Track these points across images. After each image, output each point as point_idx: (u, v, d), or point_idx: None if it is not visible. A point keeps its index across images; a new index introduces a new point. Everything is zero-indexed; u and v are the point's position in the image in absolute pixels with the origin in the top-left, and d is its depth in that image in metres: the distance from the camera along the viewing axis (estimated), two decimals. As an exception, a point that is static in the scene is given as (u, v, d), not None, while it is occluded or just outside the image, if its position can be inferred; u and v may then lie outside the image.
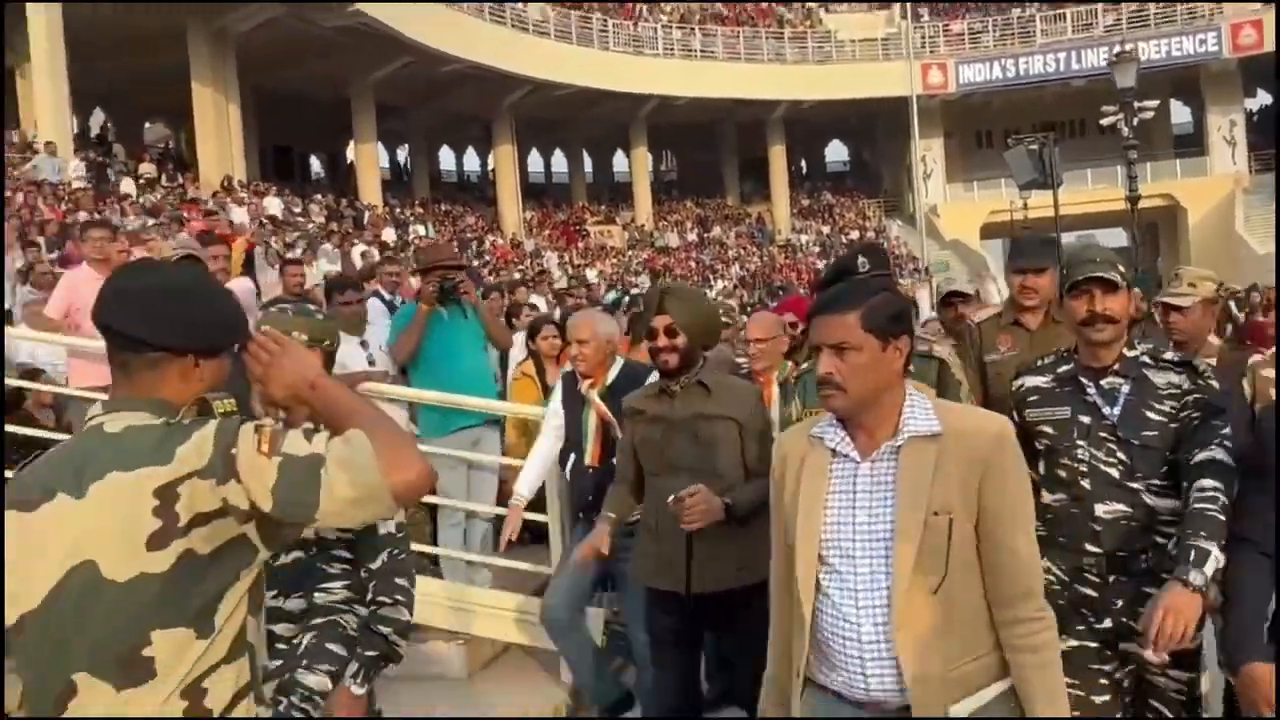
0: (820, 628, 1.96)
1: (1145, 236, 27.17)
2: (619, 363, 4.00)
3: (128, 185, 16.24)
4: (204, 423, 1.59)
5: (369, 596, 2.49)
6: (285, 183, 28.75)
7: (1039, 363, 2.80)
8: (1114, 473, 2.61)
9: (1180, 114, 40.61)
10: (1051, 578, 2.61)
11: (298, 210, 21.68)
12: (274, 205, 19.83)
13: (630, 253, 32.53)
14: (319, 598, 2.48)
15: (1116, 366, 2.67)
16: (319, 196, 25.64)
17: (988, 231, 37.45)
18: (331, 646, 2.47)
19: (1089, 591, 2.65)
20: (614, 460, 3.64)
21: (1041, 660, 1.93)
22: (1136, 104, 15.43)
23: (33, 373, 6.12)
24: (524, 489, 4.16)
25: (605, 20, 33.69)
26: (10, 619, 1.57)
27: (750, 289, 30.42)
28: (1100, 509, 2.62)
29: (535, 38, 31.14)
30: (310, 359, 1.75)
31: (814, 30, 37.98)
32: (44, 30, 19.69)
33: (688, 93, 34.24)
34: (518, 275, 19.89)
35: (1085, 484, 2.63)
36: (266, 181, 26.31)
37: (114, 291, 1.65)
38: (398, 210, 29.13)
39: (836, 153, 46.69)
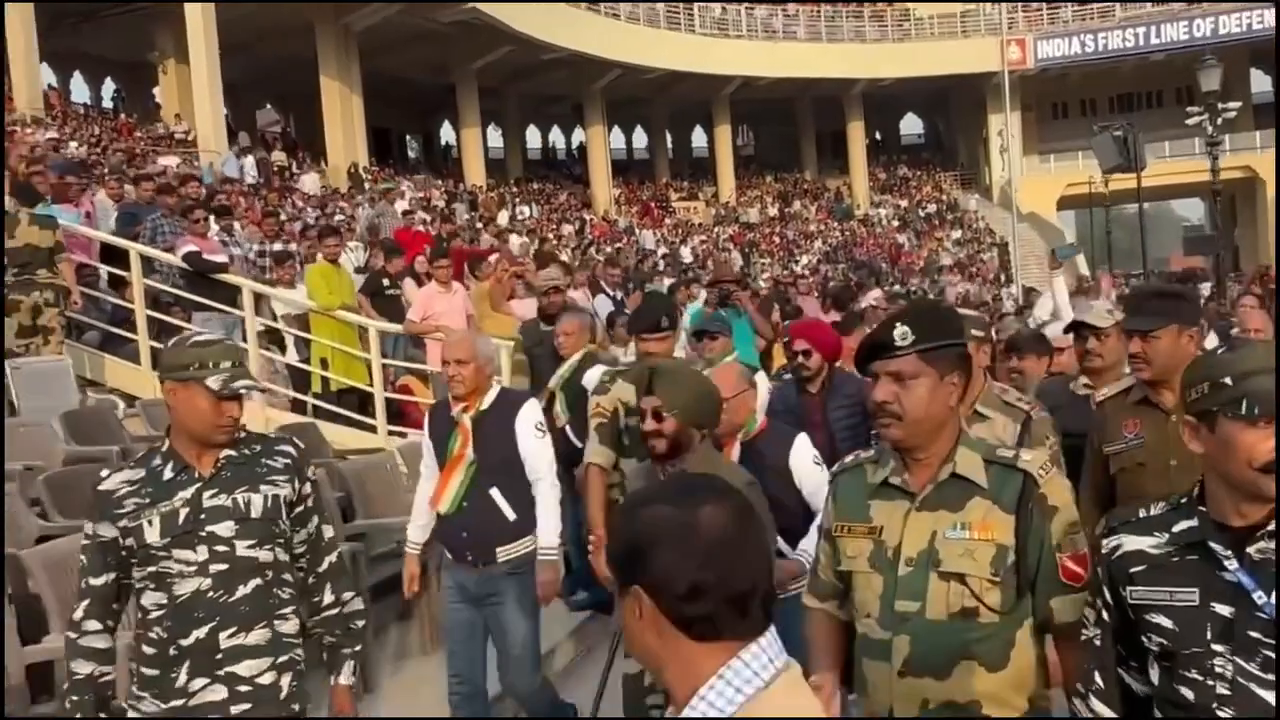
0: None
1: (1223, 208, 27.88)
2: (496, 389, 3.74)
3: (310, 183, 17.97)
4: None
5: (331, 597, 2.62)
6: (385, 164, 30.62)
7: (1142, 512, 1.78)
8: (1268, 696, 1.61)
9: (1260, 83, 40.69)
10: None
11: (421, 196, 23.43)
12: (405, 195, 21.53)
13: (717, 229, 33.93)
14: (280, 626, 2.48)
15: (1272, 526, 1.64)
16: (439, 182, 27.41)
17: (1064, 204, 38.17)
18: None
19: None
20: (467, 503, 3.60)
21: None
22: (1220, 105, 16.37)
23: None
24: (414, 536, 3.85)
25: (692, 5, 34.95)
26: None
27: (833, 263, 31.72)
28: None
29: (627, 24, 32.56)
30: None
31: (893, 8, 38.77)
32: (200, 28, 21.46)
33: (770, 73, 35.42)
34: (613, 253, 21.43)
35: (1225, 712, 1.64)
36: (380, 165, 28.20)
37: None
38: (497, 190, 30.86)
39: (911, 126, 47.42)
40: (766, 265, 30.39)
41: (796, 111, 40.81)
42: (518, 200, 29.26)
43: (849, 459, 2.22)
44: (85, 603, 2.42)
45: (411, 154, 40.93)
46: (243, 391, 2.43)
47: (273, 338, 7.81)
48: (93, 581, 2.40)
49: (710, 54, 34.28)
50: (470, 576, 3.62)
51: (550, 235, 24.28)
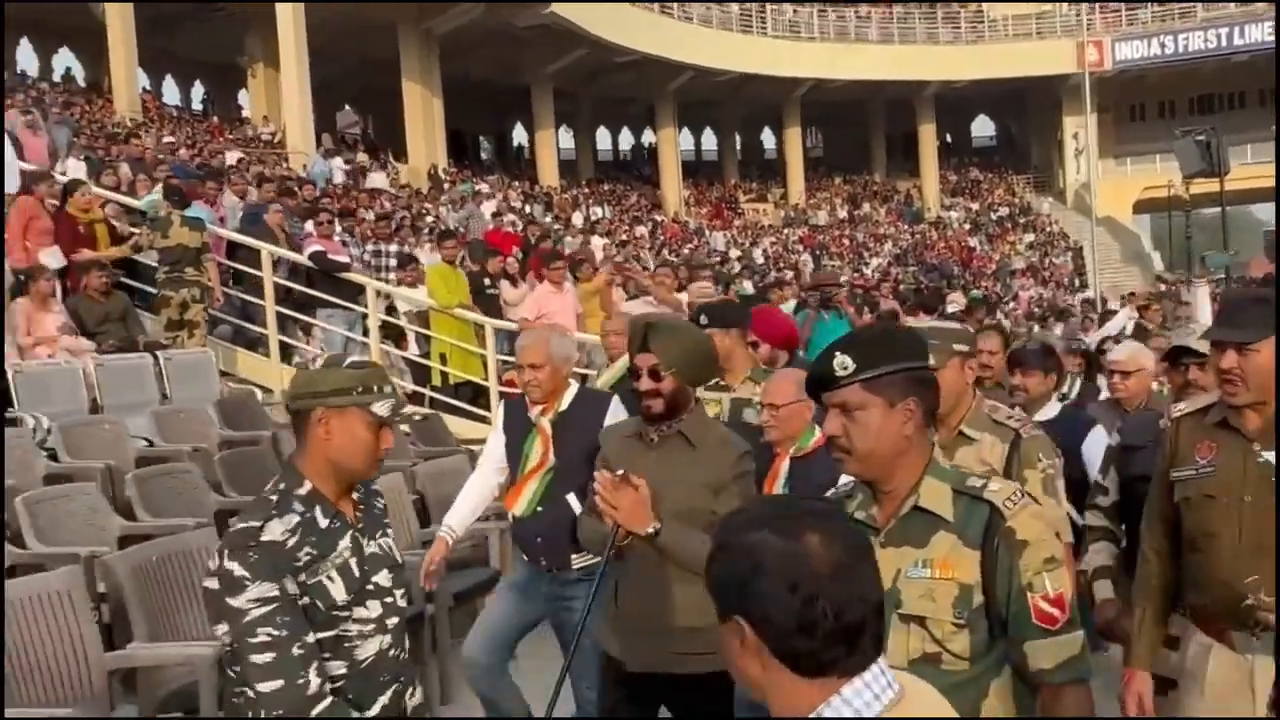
0: None
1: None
2: (573, 388, 3.64)
3: (378, 181, 18.59)
4: None
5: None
6: (461, 165, 31.26)
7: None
8: None
9: (1347, 85, 39.69)
10: None
11: (500, 197, 23.97)
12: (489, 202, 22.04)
13: (786, 230, 34.06)
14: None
15: None
16: (515, 184, 27.96)
17: (1141, 207, 37.62)
18: None
19: None
20: (551, 508, 3.48)
21: None
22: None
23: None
24: (453, 522, 3.77)
25: (764, 8, 35.13)
26: None
27: (904, 266, 31.68)
28: None
29: (699, 26, 32.83)
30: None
31: (966, 9, 38.54)
32: (291, 31, 22.14)
33: (841, 75, 35.45)
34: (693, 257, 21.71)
35: None
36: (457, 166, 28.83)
37: None
38: (570, 191, 31.34)
39: (983, 128, 47.01)
40: (837, 267, 30.45)
41: (867, 113, 40.72)
42: (590, 201, 29.71)
43: (831, 491, 2.17)
44: (314, 668, 2.03)
45: (484, 155, 41.67)
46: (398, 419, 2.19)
47: (387, 333, 8.26)
48: (308, 640, 2.04)
49: (782, 56, 34.41)
50: (543, 578, 3.56)
51: (625, 236, 24.66)
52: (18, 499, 3.94)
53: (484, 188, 23.60)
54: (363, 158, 24.26)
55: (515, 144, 41.48)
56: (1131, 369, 4.11)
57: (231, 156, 16.78)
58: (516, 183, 28.58)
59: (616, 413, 3.55)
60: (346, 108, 36.76)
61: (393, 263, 8.39)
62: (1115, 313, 10.17)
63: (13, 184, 8.42)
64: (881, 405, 1.82)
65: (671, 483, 2.67)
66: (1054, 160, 40.49)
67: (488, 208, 17.45)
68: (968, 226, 36.54)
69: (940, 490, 1.85)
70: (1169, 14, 37.40)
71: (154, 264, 7.43)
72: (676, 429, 2.78)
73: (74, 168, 10.90)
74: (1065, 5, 36.99)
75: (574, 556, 3.49)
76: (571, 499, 3.46)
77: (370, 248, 8.60)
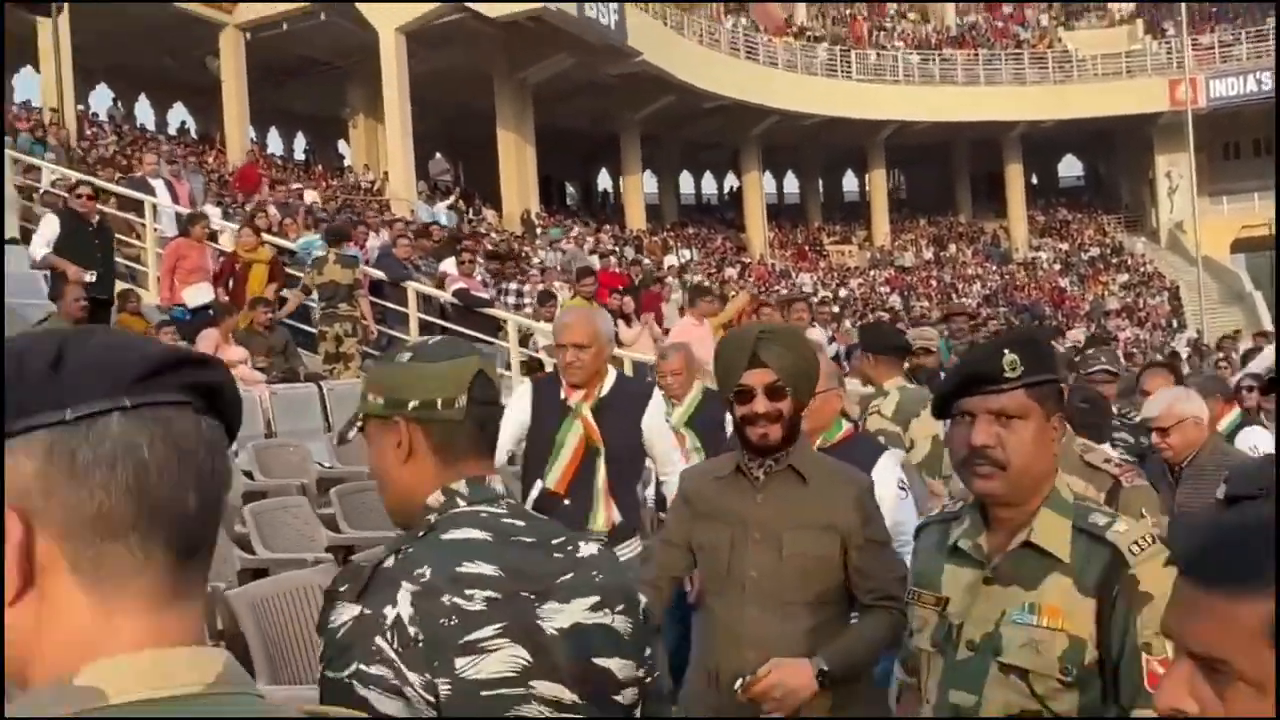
0: None
1: None
2: (613, 374, 3.36)
3: (483, 224, 19.18)
4: None
5: None
6: (550, 209, 31.95)
7: None
8: None
9: None
10: None
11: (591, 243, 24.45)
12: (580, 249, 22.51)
13: (873, 272, 34.00)
14: None
15: None
16: (607, 226, 28.49)
17: (1239, 246, 36.76)
18: None
19: None
20: (579, 493, 3.20)
21: None
22: None
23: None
24: None
25: (849, 51, 35.42)
26: None
27: (994, 307, 31.36)
28: None
29: (784, 72, 33.22)
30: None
31: (1053, 50, 38.34)
32: (395, 84, 23.05)
33: (926, 117, 35.48)
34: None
35: None
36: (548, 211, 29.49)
37: None
38: (657, 235, 31.78)
39: (1070, 167, 46.46)
40: (925, 309, 30.29)
41: (951, 154, 40.57)
42: (678, 244, 30.08)
43: (935, 511, 1.95)
44: None
45: (569, 200, 42.46)
46: None
47: (525, 365, 8.55)
48: None
49: (867, 99, 34.59)
50: None
51: (710, 277, 24.93)
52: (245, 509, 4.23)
53: (577, 232, 24.11)
54: (460, 203, 25.05)
55: (600, 189, 42.21)
56: (1169, 423, 3.61)
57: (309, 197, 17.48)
58: (607, 226, 29.09)
59: (659, 408, 3.32)
60: (437, 155, 37.91)
61: (529, 300, 8.74)
62: (1258, 350, 9.92)
63: (170, 228, 8.96)
64: (1040, 416, 1.62)
65: (790, 529, 2.19)
66: (1145, 199, 39.82)
67: (588, 245, 17.83)
68: (1058, 267, 36.06)
69: (1058, 525, 1.62)
70: (1263, 50, 36.73)
71: (310, 302, 7.84)
72: (787, 462, 2.23)
73: (212, 213, 11.54)
74: (1156, 44, 36.58)
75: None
76: (600, 481, 3.22)
77: (512, 286, 8.97)
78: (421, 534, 1.35)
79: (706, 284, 12.10)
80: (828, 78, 34.48)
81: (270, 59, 24.13)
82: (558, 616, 1.33)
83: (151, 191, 9.11)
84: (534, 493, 3.27)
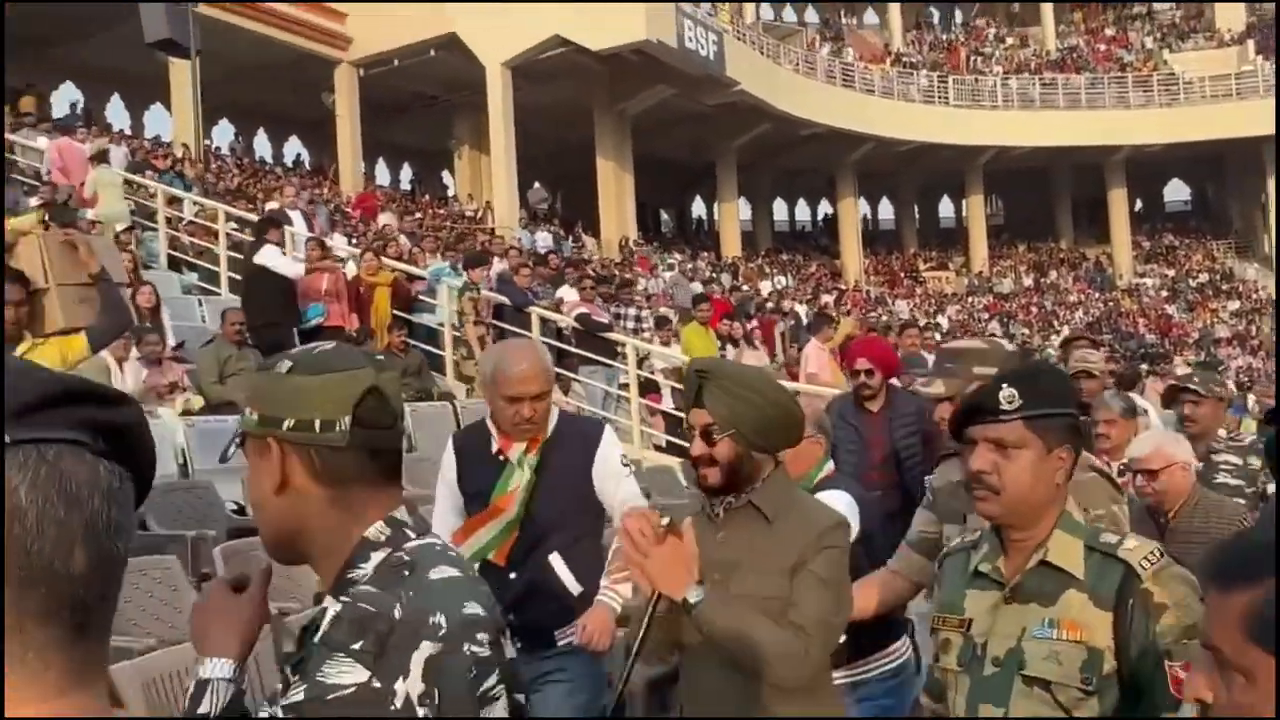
0: None
1: None
2: (554, 413, 2.96)
3: (585, 250, 19.67)
4: None
5: None
6: (646, 237, 32.44)
7: None
8: None
9: None
10: None
11: (690, 271, 24.79)
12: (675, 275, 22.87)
13: (971, 299, 33.62)
14: None
15: None
16: (705, 254, 28.84)
17: (1358, 272, 35.30)
18: None
19: None
20: (524, 562, 2.85)
21: None
22: None
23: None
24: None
25: (946, 77, 35.25)
26: None
27: (1098, 334, 30.69)
28: None
29: (880, 99, 33.23)
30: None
31: (1158, 72, 37.55)
32: (501, 117, 23.83)
33: (1027, 142, 35.04)
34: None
35: None
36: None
37: None
38: (753, 261, 31.99)
39: (1175, 191, 45.25)
40: (1026, 336, 29.84)
41: (1051, 179, 39.92)
42: (773, 270, 30.24)
43: (956, 541, 1.99)
44: None
45: (664, 228, 42.96)
46: None
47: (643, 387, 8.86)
48: None
49: (965, 125, 34.36)
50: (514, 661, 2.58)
51: (808, 304, 25.00)
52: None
53: (676, 259, 24.47)
54: (557, 230, 25.67)
55: (694, 216, 42.62)
56: (1158, 465, 3.38)
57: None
58: (705, 252, 29.43)
59: (610, 444, 2.96)
60: (536, 184, 38.79)
61: (647, 324, 9.09)
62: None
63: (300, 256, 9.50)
64: (1039, 448, 1.74)
65: (739, 568, 2.08)
66: (1257, 224, 38.59)
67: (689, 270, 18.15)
68: (1165, 294, 35.15)
69: (1071, 545, 1.75)
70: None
71: (431, 321, 8.30)
72: (747, 499, 2.14)
73: (337, 240, 12.19)
74: (1269, 64, 35.55)
75: (557, 632, 2.84)
76: (555, 560, 2.86)
77: (630, 311, 9.34)
78: (406, 573, 1.19)
79: (830, 313, 12.29)
80: (925, 104, 34.35)
81: (382, 94, 25.16)
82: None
83: (290, 222, 9.71)
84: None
